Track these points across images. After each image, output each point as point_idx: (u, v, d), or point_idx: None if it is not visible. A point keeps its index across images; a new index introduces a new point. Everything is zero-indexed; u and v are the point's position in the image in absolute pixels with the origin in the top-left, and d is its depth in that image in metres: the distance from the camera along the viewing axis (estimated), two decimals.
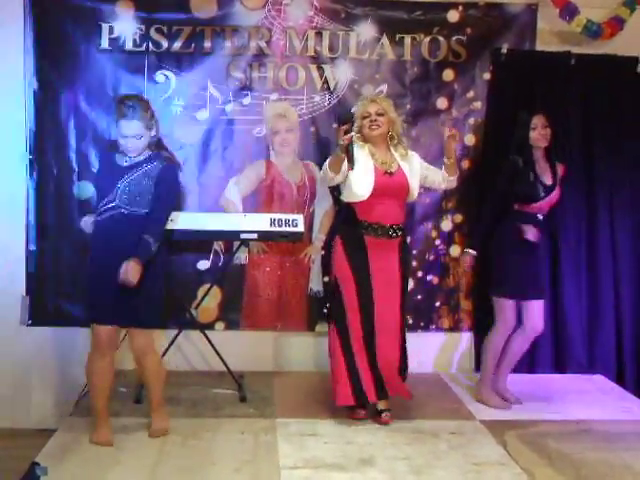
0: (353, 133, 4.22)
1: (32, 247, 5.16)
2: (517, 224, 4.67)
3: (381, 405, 4.44)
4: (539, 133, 4.70)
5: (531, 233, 4.66)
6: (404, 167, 4.39)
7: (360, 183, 4.29)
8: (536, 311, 4.76)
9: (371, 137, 4.39)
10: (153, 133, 4.03)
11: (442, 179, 4.51)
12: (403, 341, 4.48)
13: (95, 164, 5.07)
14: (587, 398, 4.99)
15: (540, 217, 4.76)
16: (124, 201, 3.94)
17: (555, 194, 4.75)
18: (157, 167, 4.00)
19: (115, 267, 3.81)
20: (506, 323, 4.78)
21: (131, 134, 3.92)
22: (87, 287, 4.09)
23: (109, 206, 3.95)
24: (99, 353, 4.03)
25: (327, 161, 4.30)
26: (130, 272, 3.78)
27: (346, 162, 4.20)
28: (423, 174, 4.49)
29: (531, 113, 4.76)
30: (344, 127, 4.23)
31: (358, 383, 4.35)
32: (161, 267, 4.09)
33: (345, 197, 4.41)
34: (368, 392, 4.34)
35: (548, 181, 4.73)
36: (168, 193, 4.07)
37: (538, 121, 4.71)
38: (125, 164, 4.00)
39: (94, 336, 4.04)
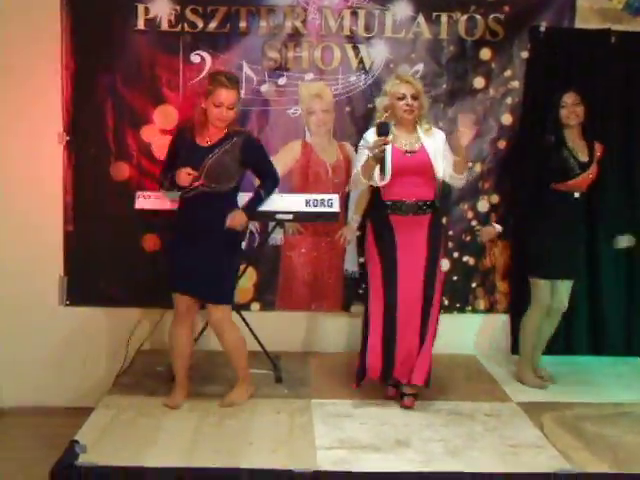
0: (389, 146, 4.20)
1: (70, 228, 5.21)
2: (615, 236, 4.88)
3: (406, 389, 4.41)
4: (569, 111, 4.66)
5: (623, 241, 4.81)
6: (427, 145, 4.35)
7: (385, 170, 4.27)
8: (562, 290, 4.78)
9: (402, 119, 4.35)
10: (237, 111, 4.26)
11: (449, 174, 4.41)
12: (425, 330, 4.36)
13: (132, 144, 5.14)
14: (624, 381, 4.96)
15: (577, 195, 4.71)
16: (211, 179, 4.15)
17: (592, 171, 4.68)
18: (237, 143, 4.22)
19: (198, 242, 4.15)
20: (541, 303, 4.78)
21: (228, 102, 4.13)
22: (169, 258, 4.34)
23: (194, 185, 4.14)
24: (177, 321, 4.31)
25: (359, 167, 4.35)
26: (236, 219, 4.18)
27: (378, 169, 4.22)
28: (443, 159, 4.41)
29: (562, 91, 4.71)
30: (382, 138, 4.14)
31: (364, 360, 4.43)
32: (240, 245, 4.42)
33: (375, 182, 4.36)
34: (370, 369, 4.39)
35: (584, 158, 4.68)
36: (265, 157, 4.45)
37: (568, 99, 4.67)
38: (207, 144, 4.20)
39: (175, 305, 4.31)
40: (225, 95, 4.12)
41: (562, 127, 4.70)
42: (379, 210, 4.41)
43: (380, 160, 4.18)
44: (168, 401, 4.30)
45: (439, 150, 4.36)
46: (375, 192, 4.43)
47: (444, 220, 4.83)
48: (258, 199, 4.31)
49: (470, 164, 4.49)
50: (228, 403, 4.33)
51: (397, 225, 4.36)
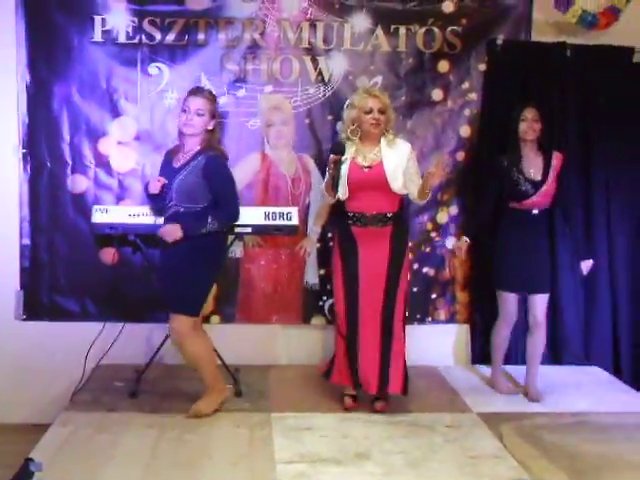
0: (343, 165, 4.31)
1: (26, 241, 5.14)
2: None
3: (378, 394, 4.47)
4: (528, 126, 4.71)
5: (585, 267, 4.86)
6: (387, 159, 4.36)
7: (341, 184, 4.37)
8: (537, 304, 4.80)
9: (368, 133, 4.39)
10: (211, 125, 4.27)
11: (413, 193, 4.42)
12: (388, 340, 4.41)
13: (89, 157, 5.10)
14: (583, 390, 4.99)
15: (536, 212, 4.75)
16: (178, 199, 4.22)
17: (547, 188, 4.73)
18: (199, 163, 4.21)
19: (167, 257, 4.30)
20: (508, 316, 4.85)
21: (195, 107, 4.18)
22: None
23: (169, 205, 4.26)
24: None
25: (323, 185, 4.50)
26: (168, 230, 4.20)
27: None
28: (405, 177, 4.39)
29: (522, 106, 4.76)
30: (334, 157, 4.25)
31: (333, 364, 4.57)
32: (212, 259, 4.34)
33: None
34: (340, 377, 4.52)
35: (537, 176, 4.73)
36: (222, 185, 4.28)
37: (528, 114, 4.72)
38: (177, 165, 4.27)
39: None
40: (193, 101, 4.19)
41: (519, 142, 4.76)
42: (342, 221, 4.50)
43: (333, 177, 4.29)
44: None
45: (400, 164, 4.37)
46: (340, 203, 4.50)
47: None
48: (202, 223, 4.17)
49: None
50: (193, 413, 4.30)
51: (359, 236, 4.42)
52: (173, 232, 4.17)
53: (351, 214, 4.43)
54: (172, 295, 4.25)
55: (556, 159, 4.78)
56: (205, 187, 4.20)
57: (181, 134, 4.30)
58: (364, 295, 4.41)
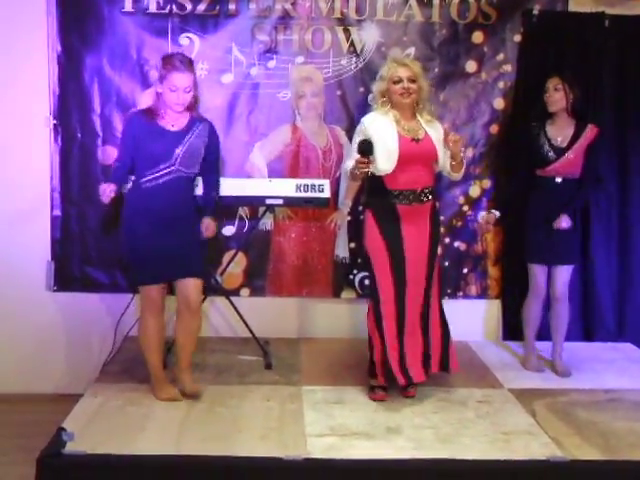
0: (371, 167, 4.04)
1: (57, 212, 5.14)
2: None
3: None
4: (549, 95, 4.65)
5: (563, 221, 4.62)
6: (430, 133, 4.21)
7: (384, 157, 4.11)
8: (559, 276, 4.74)
9: (399, 104, 4.19)
10: (195, 93, 4.15)
11: (447, 170, 4.33)
12: (426, 326, 4.29)
13: (119, 128, 5.02)
14: (616, 367, 4.94)
15: (559, 180, 4.68)
16: (184, 164, 4.11)
17: (572, 157, 4.64)
18: (205, 128, 4.20)
19: (171, 227, 4.09)
20: (536, 289, 4.79)
21: (183, 86, 4.02)
22: (135, 252, 4.15)
23: (166, 171, 4.08)
24: (151, 313, 4.18)
25: (349, 165, 4.18)
26: (211, 228, 4.24)
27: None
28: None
29: (547, 76, 4.70)
30: (362, 159, 3.98)
31: (388, 364, 4.20)
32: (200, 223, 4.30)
33: (378, 171, 4.18)
34: (396, 374, 4.18)
35: (562, 143, 4.66)
36: (218, 153, 4.41)
37: (550, 84, 4.65)
38: (173, 128, 4.12)
39: (146, 298, 4.19)
40: (179, 79, 4.01)
41: (547, 112, 4.69)
42: (383, 199, 4.20)
43: (362, 179, 4.16)
44: (163, 396, 4.19)
45: (440, 140, 4.23)
46: (378, 180, 4.19)
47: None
48: (214, 202, 4.36)
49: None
50: (195, 393, 4.21)
51: (403, 214, 4.19)
52: (214, 226, 4.30)
53: (397, 192, 4.15)
54: (195, 262, 4.20)
55: (590, 131, 4.69)
56: (202, 152, 4.19)
57: (158, 97, 4.13)
58: (410, 278, 4.19)
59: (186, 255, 4.13)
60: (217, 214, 4.45)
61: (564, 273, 4.76)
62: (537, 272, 4.78)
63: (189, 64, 4.09)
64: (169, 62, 4.05)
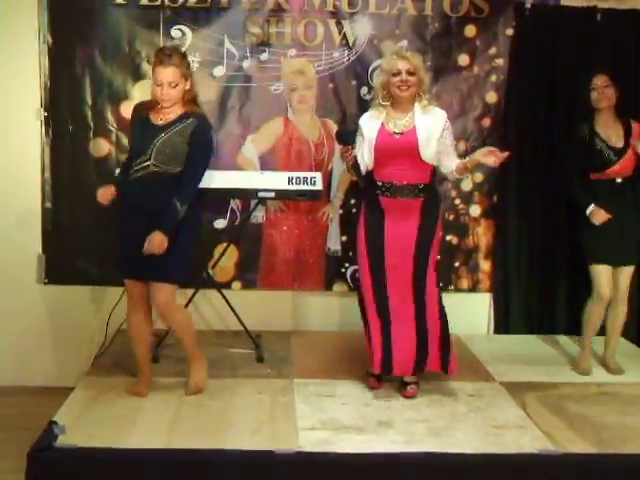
0: (354, 153, 4.11)
1: (48, 205, 5.13)
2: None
3: (407, 378, 4.27)
4: (599, 93, 4.59)
5: (598, 217, 4.55)
6: (420, 126, 4.11)
7: (367, 152, 4.16)
8: (623, 277, 4.69)
9: (397, 97, 4.16)
10: (188, 86, 4.00)
11: (448, 167, 4.16)
12: (421, 321, 4.20)
13: (111, 120, 5.06)
14: None
15: (619, 180, 4.63)
16: (159, 160, 3.94)
17: (630, 155, 4.60)
18: (190, 125, 3.98)
19: (145, 224, 3.88)
20: (599, 290, 4.67)
21: (166, 80, 3.90)
22: (118, 245, 4.12)
23: (143, 165, 3.96)
24: (132, 308, 4.15)
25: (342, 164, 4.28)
26: (155, 244, 3.85)
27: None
28: (439, 148, 4.12)
29: (592, 74, 4.65)
30: (344, 149, 4.10)
31: (372, 353, 4.25)
32: (192, 225, 4.10)
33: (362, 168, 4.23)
34: (375, 363, 4.21)
35: (619, 144, 4.61)
36: (202, 155, 4.07)
37: (598, 81, 4.60)
38: (160, 122, 3.99)
39: (127, 291, 4.17)
40: (162, 73, 3.88)
41: (594, 111, 4.65)
42: (370, 190, 4.23)
43: (353, 166, 4.15)
44: (133, 389, 4.15)
45: (435, 132, 4.10)
46: (369, 173, 4.23)
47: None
48: (174, 213, 3.92)
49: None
50: (195, 390, 4.17)
51: (388, 208, 4.16)
52: (160, 242, 3.86)
53: (380, 183, 4.15)
54: (164, 265, 3.94)
55: (636, 127, 4.66)
56: (185, 150, 3.96)
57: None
58: (391, 271, 4.17)
59: (157, 256, 3.90)
60: (204, 209, 4.41)
61: (628, 274, 4.71)
62: (601, 273, 4.63)
63: (178, 58, 3.93)
64: (156, 56, 3.96)
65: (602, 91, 4.59)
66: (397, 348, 4.17)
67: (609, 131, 4.63)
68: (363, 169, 4.19)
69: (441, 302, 4.31)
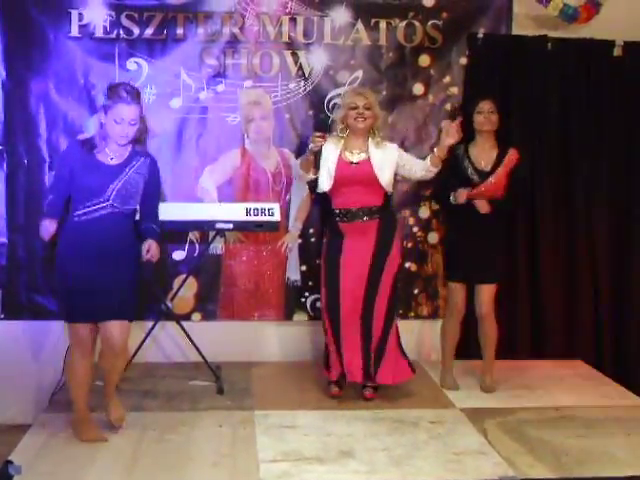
0: (323, 141, 4.39)
1: (3, 239, 5.07)
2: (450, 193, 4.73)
3: (367, 383, 4.58)
4: (484, 117, 4.71)
5: (461, 197, 4.65)
6: (374, 157, 4.47)
7: (325, 176, 4.48)
8: (481, 295, 4.80)
9: (354, 128, 4.49)
10: (140, 125, 3.93)
11: (422, 168, 4.55)
12: (368, 333, 4.52)
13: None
14: (566, 384, 4.99)
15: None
16: (118, 200, 3.88)
17: (495, 180, 4.68)
18: (145, 163, 3.98)
19: (103, 265, 3.84)
20: (453, 307, 4.87)
21: (128, 118, 3.83)
22: (66, 288, 3.94)
23: (100, 206, 3.86)
24: (80, 352, 3.97)
25: (299, 160, 4.64)
26: (155, 252, 4.01)
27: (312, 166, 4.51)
28: (400, 163, 4.55)
29: (479, 98, 4.76)
30: (319, 133, 4.42)
31: (327, 359, 4.68)
32: (137, 261, 4.03)
33: (318, 189, 4.57)
34: (333, 369, 4.62)
35: (486, 167, 4.72)
36: (159, 190, 4.21)
37: (485, 106, 4.72)
38: (112, 162, 3.91)
39: (74, 336, 3.96)
40: (125, 111, 3.81)
41: (475, 133, 4.78)
42: (330, 218, 4.59)
43: (315, 153, 4.41)
44: (88, 437, 3.96)
45: (388, 162, 4.49)
46: (326, 198, 4.58)
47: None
48: (155, 231, 4.07)
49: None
50: (119, 420, 4.09)
51: (346, 231, 4.52)
52: (158, 249, 4.05)
53: (337, 211, 4.52)
54: (122, 304, 3.90)
55: (511, 154, 4.75)
56: (141, 188, 3.95)
57: (101, 127, 3.90)
58: (346, 286, 4.49)
59: (116, 295, 3.87)
60: (162, 241, 4.26)
61: (488, 291, 4.80)
62: (456, 290, 4.84)
63: (136, 95, 3.88)
64: (115, 92, 3.83)
65: (487, 116, 4.71)
66: (347, 357, 4.51)
67: (483, 154, 4.75)
68: (319, 186, 4.54)
69: (389, 316, 4.56)
